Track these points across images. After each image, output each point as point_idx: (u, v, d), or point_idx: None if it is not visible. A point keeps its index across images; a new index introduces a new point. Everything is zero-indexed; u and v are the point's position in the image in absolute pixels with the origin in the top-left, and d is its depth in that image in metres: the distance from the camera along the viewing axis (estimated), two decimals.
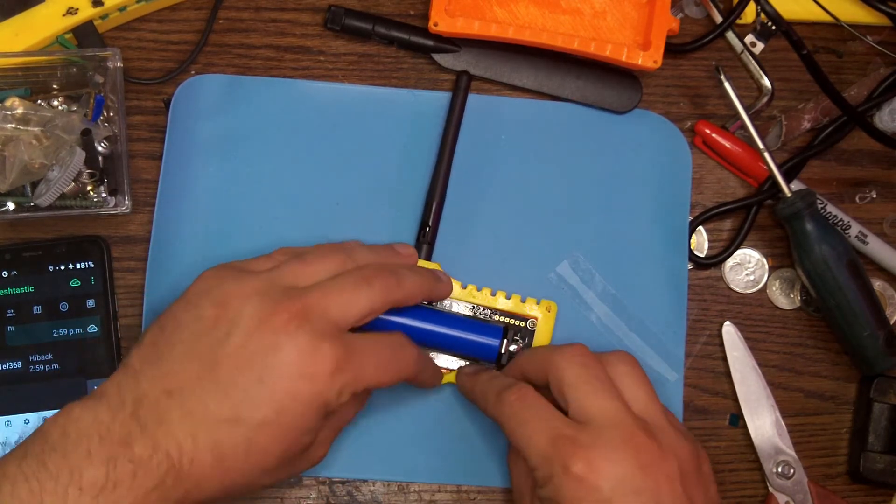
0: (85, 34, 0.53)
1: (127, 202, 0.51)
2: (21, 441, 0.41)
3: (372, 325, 0.50)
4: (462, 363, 0.52)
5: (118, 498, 0.38)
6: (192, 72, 0.56)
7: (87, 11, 0.53)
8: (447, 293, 0.52)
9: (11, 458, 0.39)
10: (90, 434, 0.39)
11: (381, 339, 0.46)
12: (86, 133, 0.49)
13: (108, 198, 0.52)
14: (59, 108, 0.52)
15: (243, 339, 0.42)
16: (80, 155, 0.49)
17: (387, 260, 0.50)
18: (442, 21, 0.54)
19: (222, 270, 0.46)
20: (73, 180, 0.50)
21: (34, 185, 0.50)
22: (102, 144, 0.51)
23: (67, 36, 0.53)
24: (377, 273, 0.47)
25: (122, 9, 0.54)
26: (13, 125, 0.49)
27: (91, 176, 0.51)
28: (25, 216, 0.51)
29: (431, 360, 0.51)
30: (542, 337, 0.52)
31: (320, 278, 0.45)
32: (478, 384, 0.49)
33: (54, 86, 0.52)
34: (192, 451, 0.40)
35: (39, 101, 0.51)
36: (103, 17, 0.54)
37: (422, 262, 0.53)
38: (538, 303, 0.53)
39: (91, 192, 0.51)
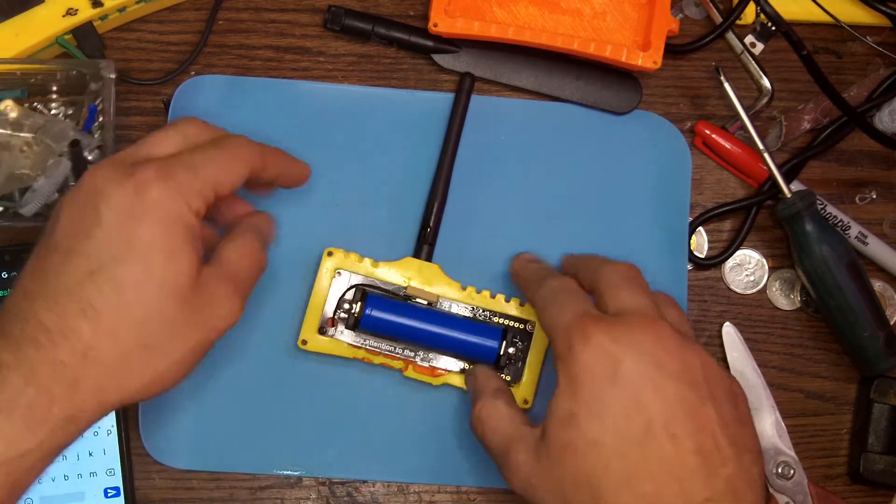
0: (84, 35, 0.53)
1: None
2: None
3: (373, 324, 0.50)
4: (462, 364, 0.52)
5: None
6: (192, 72, 0.56)
7: (86, 12, 0.53)
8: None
9: None
10: None
11: (209, 144, 0.45)
12: (74, 144, 0.49)
13: None
14: (57, 110, 0.51)
15: (68, 208, 0.41)
16: (66, 166, 0.49)
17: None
18: (441, 22, 0.54)
19: None
20: (59, 191, 0.50)
21: (23, 191, 0.50)
22: (94, 154, 0.51)
23: (67, 37, 0.53)
24: (188, 117, 0.47)
25: (121, 10, 0.54)
26: (7, 131, 0.49)
27: None
28: (8, 225, 0.50)
29: (280, 151, 0.49)
30: (541, 339, 0.52)
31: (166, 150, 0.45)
32: (527, 269, 0.51)
33: (53, 88, 0.52)
34: (60, 325, 0.39)
35: (36, 104, 0.51)
36: (103, 17, 0.54)
37: (423, 263, 0.53)
38: None
39: None
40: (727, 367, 0.55)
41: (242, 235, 0.47)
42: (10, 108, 0.49)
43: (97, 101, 0.51)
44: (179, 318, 0.41)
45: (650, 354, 0.41)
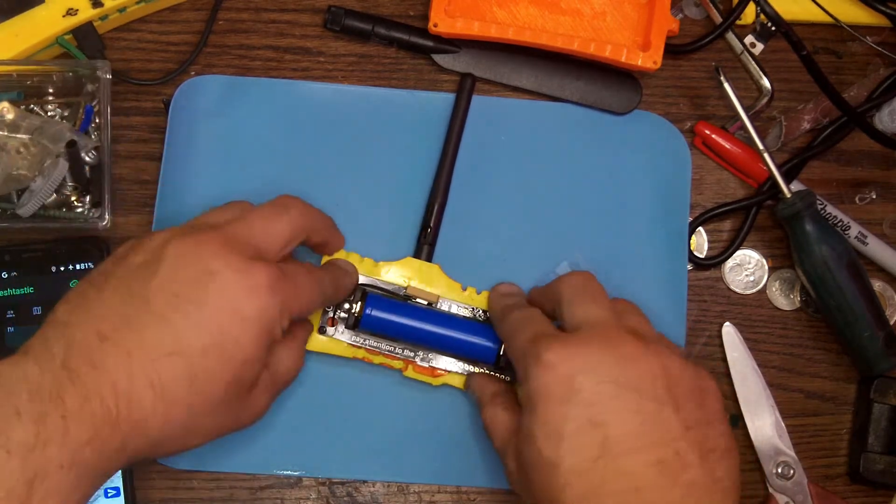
0: (85, 35, 0.53)
1: (107, 217, 0.50)
2: None
3: (374, 324, 0.50)
4: (462, 364, 0.52)
5: (48, 458, 0.36)
6: (192, 73, 0.56)
7: (86, 12, 0.53)
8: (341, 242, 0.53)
9: None
10: (18, 391, 0.37)
11: (306, 264, 0.47)
12: (71, 145, 0.49)
13: (90, 211, 0.51)
14: (54, 111, 0.51)
15: (172, 270, 0.41)
16: (63, 167, 0.49)
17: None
18: (441, 22, 0.54)
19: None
20: (56, 192, 0.50)
21: (20, 192, 0.50)
22: (91, 154, 0.51)
23: (67, 37, 0.53)
24: (292, 200, 0.47)
25: (121, 10, 0.54)
26: (4, 132, 0.49)
27: (75, 189, 0.51)
28: (6, 226, 0.50)
29: (344, 270, 0.51)
30: None
31: (235, 217, 0.46)
32: (498, 303, 0.51)
33: (49, 89, 0.52)
34: (128, 390, 0.39)
35: (32, 106, 0.51)
36: (103, 17, 0.54)
37: (423, 263, 0.53)
38: None
39: (75, 203, 0.51)
40: (727, 367, 0.55)
41: (299, 346, 0.49)
42: (6, 109, 0.49)
43: (94, 102, 0.51)
44: (225, 412, 0.43)
45: (604, 368, 0.41)
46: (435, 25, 0.54)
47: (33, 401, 0.37)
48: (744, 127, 0.54)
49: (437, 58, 0.56)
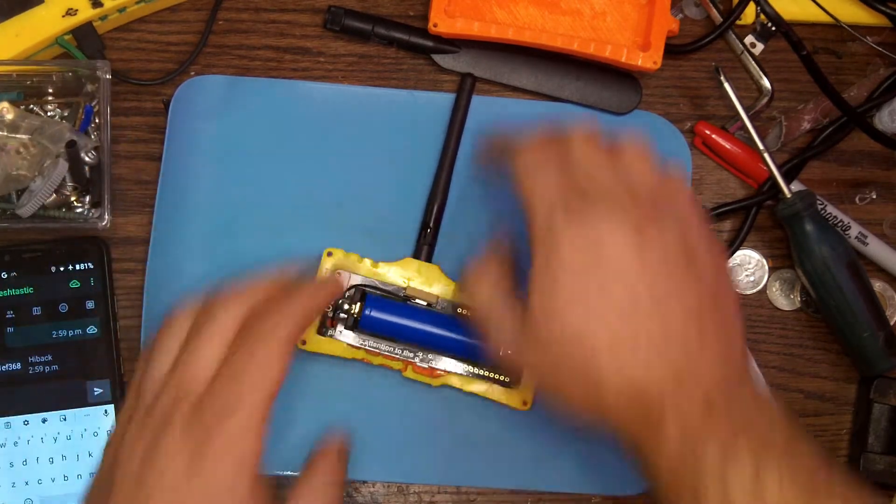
0: (84, 35, 0.53)
1: (107, 217, 0.50)
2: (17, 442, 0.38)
3: (372, 325, 0.50)
4: (461, 365, 0.52)
5: None
6: (192, 73, 0.56)
7: (86, 13, 0.53)
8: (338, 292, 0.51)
9: None
10: None
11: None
12: (71, 145, 0.49)
13: (90, 211, 0.51)
14: (53, 111, 0.51)
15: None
16: (63, 167, 0.49)
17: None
18: (441, 22, 0.54)
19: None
20: (55, 192, 0.50)
21: (20, 192, 0.50)
22: (90, 154, 0.51)
23: (67, 37, 0.53)
24: (256, 344, 0.43)
25: (121, 10, 0.54)
26: (3, 132, 0.49)
27: (75, 189, 0.51)
28: (6, 226, 0.50)
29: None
30: None
31: (212, 368, 0.43)
32: (498, 138, 0.51)
33: (49, 90, 0.52)
34: None
35: (32, 106, 0.51)
36: (103, 18, 0.54)
37: (423, 264, 0.53)
38: None
39: (75, 203, 0.51)
40: None
41: (320, 493, 0.46)
42: (6, 109, 0.49)
43: (93, 102, 0.51)
44: None
45: (629, 239, 0.42)
46: (435, 25, 0.54)
47: None
48: (744, 127, 0.54)
49: (437, 58, 0.56)
